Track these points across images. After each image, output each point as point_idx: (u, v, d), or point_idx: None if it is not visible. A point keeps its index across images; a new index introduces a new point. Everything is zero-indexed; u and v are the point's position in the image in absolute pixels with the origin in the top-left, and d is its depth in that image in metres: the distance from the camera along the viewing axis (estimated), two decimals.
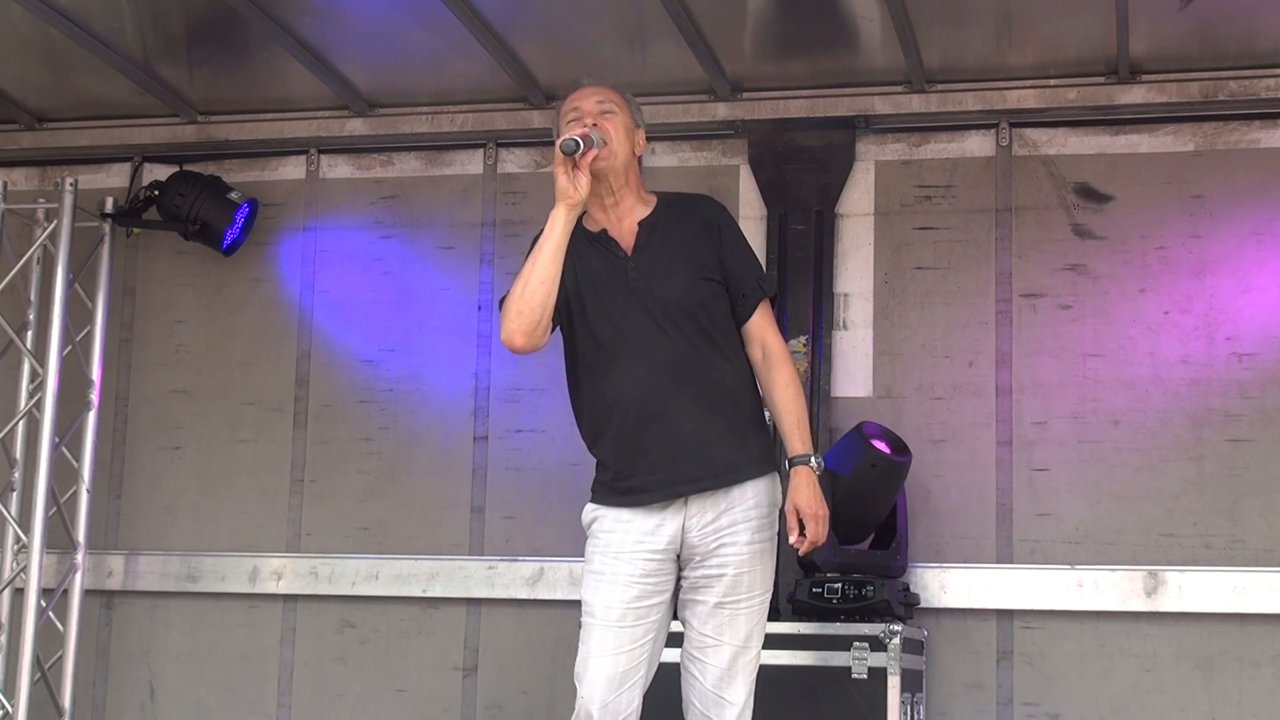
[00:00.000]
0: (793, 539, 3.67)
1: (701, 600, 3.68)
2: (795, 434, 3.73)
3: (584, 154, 3.65)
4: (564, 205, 3.66)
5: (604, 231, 3.80)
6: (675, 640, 3.73)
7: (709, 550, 3.66)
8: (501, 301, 3.75)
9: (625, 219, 3.81)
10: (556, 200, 3.67)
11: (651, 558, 3.66)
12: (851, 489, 4.89)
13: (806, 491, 3.68)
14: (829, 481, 4.83)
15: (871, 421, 5.06)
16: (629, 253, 3.76)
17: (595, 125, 3.73)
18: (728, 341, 3.76)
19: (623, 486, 3.70)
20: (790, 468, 3.72)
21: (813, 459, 3.71)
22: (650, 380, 3.66)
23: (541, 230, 3.71)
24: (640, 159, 3.90)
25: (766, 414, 3.82)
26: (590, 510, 3.76)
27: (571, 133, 3.67)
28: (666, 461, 3.65)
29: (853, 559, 4.95)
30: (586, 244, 3.78)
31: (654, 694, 3.70)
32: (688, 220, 3.82)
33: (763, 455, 3.75)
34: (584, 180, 3.66)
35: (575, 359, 3.79)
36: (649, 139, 3.96)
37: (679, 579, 3.72)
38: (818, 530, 3.67)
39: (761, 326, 3.80)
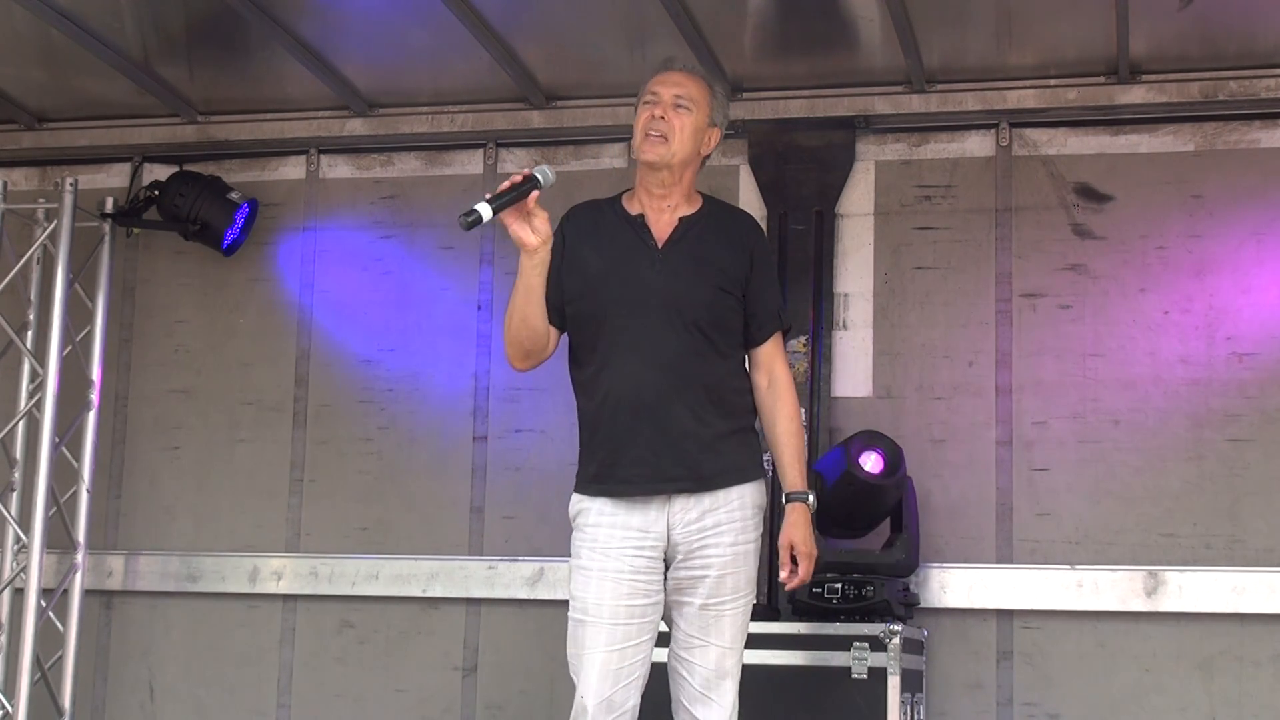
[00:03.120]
0: (783, 575, 3.72)
1: (687, 601, 3.69)
2: (794, 469, 3.77)
3: (525, 198, 3.61)
4: (523, 253, 3.67)
5: (641, 216, 3.80)
6: (663, 640, 3.73)
7: (691, 549, 3.67)
8: None
9: (666, 213, 3.80)
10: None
11: (640, 554, 3.66)
12: (834, 497, 4.86)
13: (802, 530, 3.73)
14: (815, 481, 4.82)
15: (866, 434, 5.00)
16: (660, 245, 3.76)
17: (663, 118, 3.72)
18: (732, 352, 3.77)
19: (605, 475, 3.70)
20: (786, 503, 3.76)
21: (810, 497, 3.77)
22: (649, 375, 3.66)
23: None
24: (706, 157, 3.87)
25: (757, 423, 3.84)
26: (575, 502, 3.76)
27: (498, 188, 3.61)
28: (652, 458, 3.65)
29: (848, 557, 4.93)
30: (619, 223, 3.79)
31: (643, 694, 3.70)
32: (725, 231, 3.82)
33: (750, 462, 3.76)
34: (539, 222, 3.65)
35: (581, 338, 3.78)
36: None
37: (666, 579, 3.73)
38: (808, 570, 3.72)
39: (771, 355, 3.82)
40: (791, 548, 3.72)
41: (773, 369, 3.81)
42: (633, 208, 3.82)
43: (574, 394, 3.82)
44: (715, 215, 3.85)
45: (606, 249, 3.76)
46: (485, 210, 3.54)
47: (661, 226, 3.78)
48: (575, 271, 3.75)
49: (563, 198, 3.75)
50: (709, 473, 3.68)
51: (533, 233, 3.65)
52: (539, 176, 3.62)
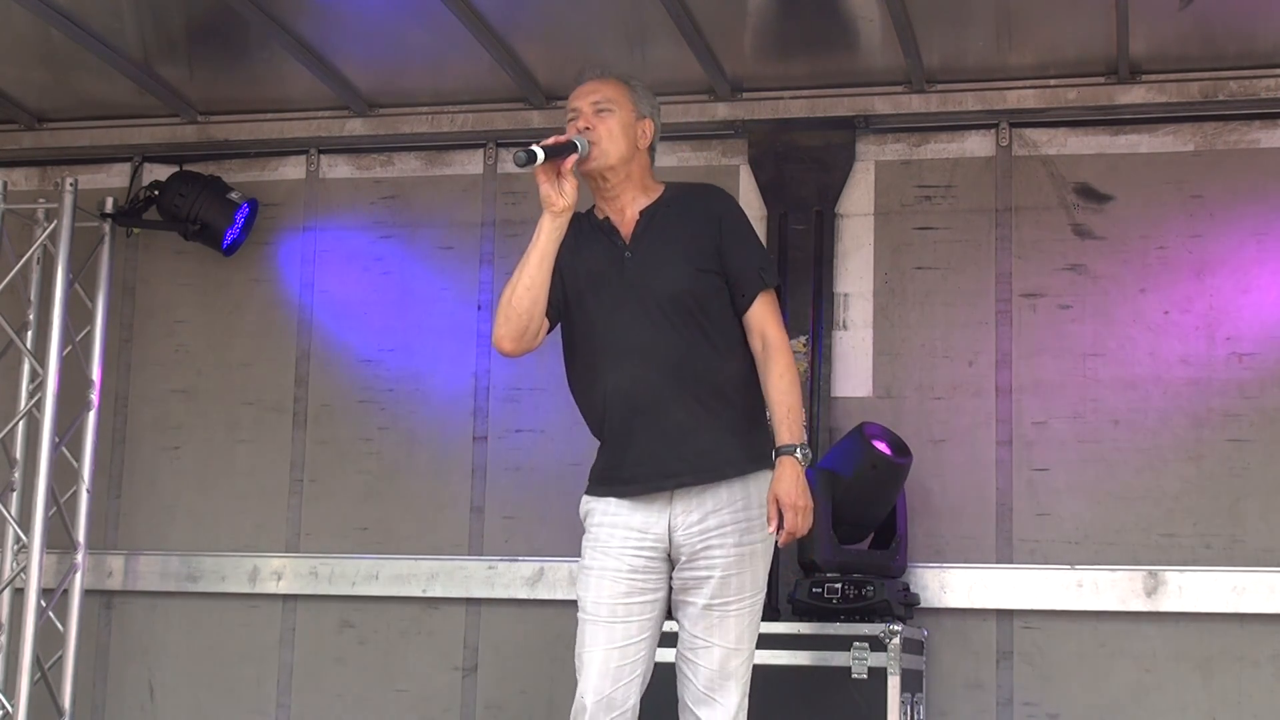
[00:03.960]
0: (770, 529, 3.58)
1: (691, 601, 3.68)
2: (784, 424, 3.64)
3: (564, 159, 3.63)
4: (548, 214, 3.66)
5: (608, 219, 3.81)
6: (670, 640, 3.73)
7: (695, 551, 3.65)
8: None
9: (628, 209, 3.81)
10: (543, 208, 3.67)
11: (639, 554, 3.66)
12: (852, 489, 4.91)
13: (788, 481, 3.57)
14: (830, 482, 4.85)
15: (873, 423, 5.06)
16: (627, 241, 3.77)
17: (589, 128, 3.74)
18: (725, 336, 3.74)
19: (609, 476, 3.71)
20: (775, 457, 3.63)
21: (799, 450, 3.61)
22: (641, 373, 3.66)
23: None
24: (652, 147, 3.87)
25: (768, 413, 3.80)
26: (585, 503, 3.77)
27: (544, 141, 3.63)
28: (651, 454, 3.65)
29: (852, 558, 4.96)
30: (591, 230, 3.80)
31: (650, 694, 3.70)
32: (689, 211, 3.81)
33: (755, 454, 3.70)
34: (569, 186, 3.65)
35: (572, 348, 3.79)
36: None
37: (671, 579, 3.72)
38: (797, 521, 3.56)
39: (761, 317, 3.74)
40: (777, 501, 3.56)
41: (764, 331, 3.73)
42: (599, 213, 3.85)
43: (577, 405, 3.82)
44: (677, 197, 3.84)
45: (585, 258, 3.76)
46: (540, 153, 3.59)
47: (626, 224, 3.80)
48: (561, 282, 3.75)
49: None
50: (707, 466, 3.66)
51: (561, 195, 3.65)
52: (578, 143, 3.67)
